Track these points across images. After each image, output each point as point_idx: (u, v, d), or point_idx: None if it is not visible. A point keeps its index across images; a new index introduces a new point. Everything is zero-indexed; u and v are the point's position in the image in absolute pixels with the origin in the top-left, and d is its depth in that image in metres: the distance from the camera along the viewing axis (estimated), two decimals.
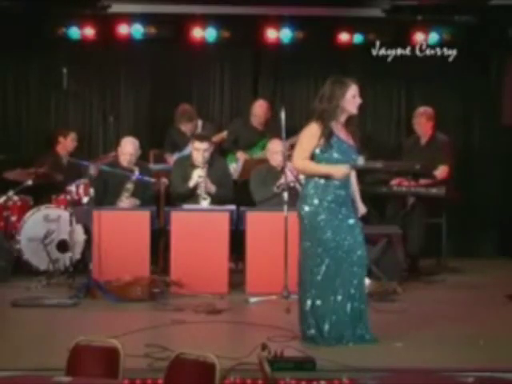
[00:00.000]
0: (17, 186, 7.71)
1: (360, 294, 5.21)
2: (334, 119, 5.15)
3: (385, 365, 4.71)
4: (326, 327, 5.12)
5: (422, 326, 5.72)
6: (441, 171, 7.82)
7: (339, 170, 5.07)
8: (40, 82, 9.10)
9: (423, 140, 8.07)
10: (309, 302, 5.14)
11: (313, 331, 5.14)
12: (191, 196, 7.41)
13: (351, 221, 5.20)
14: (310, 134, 5.11)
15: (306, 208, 5.13)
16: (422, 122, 8.00)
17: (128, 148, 7.55)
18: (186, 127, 8.53)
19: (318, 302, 5.13)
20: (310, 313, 5.15)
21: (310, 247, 5.15)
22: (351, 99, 5.13)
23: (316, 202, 5.10)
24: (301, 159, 5.14)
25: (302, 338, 5.20)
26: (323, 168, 5.09)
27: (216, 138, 8.42)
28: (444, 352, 5.04)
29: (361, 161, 5.21)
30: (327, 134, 5.09)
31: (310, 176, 5.19)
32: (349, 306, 5.16)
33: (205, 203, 7.34)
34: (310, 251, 5.15)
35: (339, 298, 5.14)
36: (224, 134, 8.71)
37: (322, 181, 5.11)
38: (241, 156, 8.50)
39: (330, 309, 5.13)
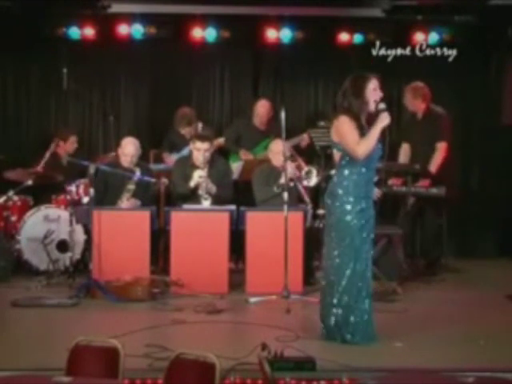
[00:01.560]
0: (17, 186, 7.71)
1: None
2: (362, 113, 5.24)
3: (385, 365, 4.72)
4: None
5: (422, 326, 5.73)
6: (439, 150, 7.71)
7: (384, 119, 5.17)
8: (40, 82, 9.10)
9: (419, 115, 7.98)
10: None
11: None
12: (192, 196, 7.40)
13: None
14: (348, 126, 5.16)
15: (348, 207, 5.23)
16: (409, 99, 7.90)
17: (129, 149, 7.55)
18: (185, 131, 8.52)
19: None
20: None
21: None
22: (373, 92, 5.24)
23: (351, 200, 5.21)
24: (358, 145, 5.14)
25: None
26: (376, 130, 5.16)
27: (214, 144, 8.41)
28: (444, 352, 5.05)
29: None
30: (360, 128, 5.19)
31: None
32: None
33: (206, 203, 7.33)
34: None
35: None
36: (221, 140, 8.67)
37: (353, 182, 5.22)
38: (244, 155, 8.48)
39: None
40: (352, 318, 5.22)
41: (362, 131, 5.19)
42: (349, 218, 5.21)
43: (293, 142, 8.31)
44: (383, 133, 5.27)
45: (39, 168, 7.84)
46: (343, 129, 5.18)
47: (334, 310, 5.23)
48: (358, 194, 5.21)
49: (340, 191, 5.21)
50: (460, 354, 5.02)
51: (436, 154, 7.72)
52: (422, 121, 7.90)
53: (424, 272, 7.66)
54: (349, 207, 5.20)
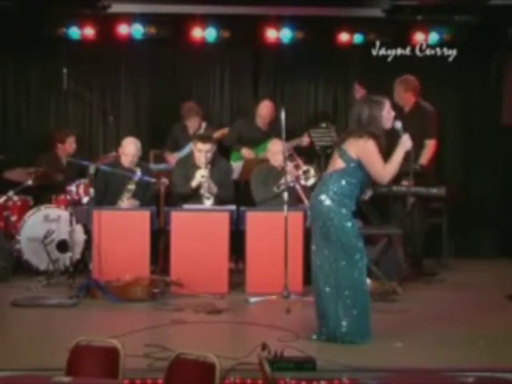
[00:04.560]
0: (17, 186, 7.71)
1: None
2: (380, 139, 5.29)
3: (385, 365, 4.72)
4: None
5: (422, 325, 5.73)
6: (428, 147, 7.72)
7: (406, 143, 5.31)
8: (40, 82, 9.10)
9: (406, 109, 7.93)
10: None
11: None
12: (194, 196, 7.41)
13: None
14: (376, 152, 5.23)
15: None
16: (400, 92, 7.85)
17: (130, 149, 7.55)
18: (191, 122, 8.54)
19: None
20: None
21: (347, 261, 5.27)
22: (387, 116, 5.34)
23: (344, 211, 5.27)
24: (386, 169, 5.26)
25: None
26: (399, 154, 5.30)
27: (217, 134, 8.44)
28: (444, 352, 5.05)
29: None
30: (380, 152, 5.28)
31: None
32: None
33: (208, 203, 7.34)
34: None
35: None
36: (225, 130, 8.71)
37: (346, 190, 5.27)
38: (245, 152, 8.48)
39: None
40: (361, 320, 5.25)
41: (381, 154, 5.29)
42: (349, 223, 5.25)
43: (292, 143, 8.31)
44: (407, 154, 5.37)
45: (42, 169, 7.86)
46: (373, 154, 5.22)
47: (347, 312, 5.22)
48: (347, 204, 5.28)
49: (336, 198, 5.24)
50: (460, 354, 5.02)
51: (425, 151, 7.73)
52: (409, 115, 7.84)
53: (424, 272, 7.66)
54: (347, 218, 5.26)
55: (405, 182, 7.72)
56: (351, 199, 5.31)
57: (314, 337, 5.30)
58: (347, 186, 5.25)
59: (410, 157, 5.54)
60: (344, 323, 5.22)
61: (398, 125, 5.38)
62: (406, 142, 5.33)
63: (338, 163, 5.30)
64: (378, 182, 5.36)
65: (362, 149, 5.22)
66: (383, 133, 5.31)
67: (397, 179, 7.69)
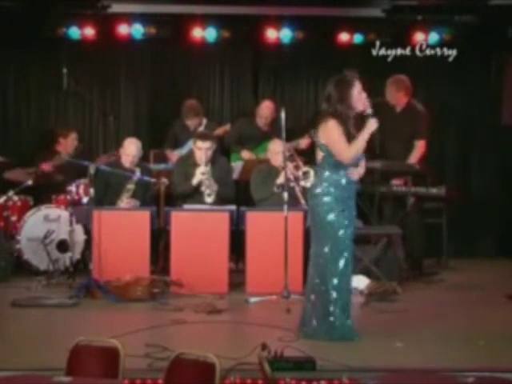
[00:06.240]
0: (17, 186, 7.71)
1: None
2: (348, 118, 5.28)
3: (385, 365, 4.72)
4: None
5: (422, 325, 5.73)
6: (418, 147, 7.73)
7: (372, 125, 5.26)
8: (40, 82, 9.10)
9: (398, 108, 7.92)
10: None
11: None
12: (195, 194, 7.41)
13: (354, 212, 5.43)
14: (337, 132, 5.22)
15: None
16: (392, 92, 7.86)
17: (131, 149, 7.56)
18: (191, 122, 8.52)
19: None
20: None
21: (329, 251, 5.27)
22: (358, 96, 5.29)
23: (329, 199, 5.26)
24: (348, 149, 5.23)
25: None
26: (365, 135, 5.25)
27: (219, 131, 8.44)
28: (444, 352, 5.05)
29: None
30: (347, 133, 5.25)
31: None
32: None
33: (209, 200, 7.34)
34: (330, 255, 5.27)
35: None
36: (227, 126, 8.71)
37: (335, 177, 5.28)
38: (245, 155, 8.48)
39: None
40: (346, 313, 5.27)
41: (349, 136, 5.25)
42: (332, 217, 5.25)
43: (292, 144, 8.30)
44: (372, 136, 5.33)
45: (48, 167, 7.94)
46: (332, 134, 5.23)
47: (331, 308, 5.24)
48: (339, 194, 5.28)
49: (319, 191, 5.27)
50: (460, 353, 5.02)
51: (414, 151, 7.75)
52: (401, 115, 7.86)
53: (424, 272, 7.66)
54: (331, 207, 5.25)
55: (396, 181, 7.74)
56: (336, 188, 5.27)
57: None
58: (334, 175, 5.26)
59: (375, 137, 5.52)
60: (314, 322, 5.28)
61: (369, 111, 5.34)
62: (372, 124, 5.27)
63: (319, 154, 5.37)
64: (340, 160, 5.26)
65: (324, 130, 5.26)
66: (353, 112, 5.28)
67: (397, 179, 7.79)
